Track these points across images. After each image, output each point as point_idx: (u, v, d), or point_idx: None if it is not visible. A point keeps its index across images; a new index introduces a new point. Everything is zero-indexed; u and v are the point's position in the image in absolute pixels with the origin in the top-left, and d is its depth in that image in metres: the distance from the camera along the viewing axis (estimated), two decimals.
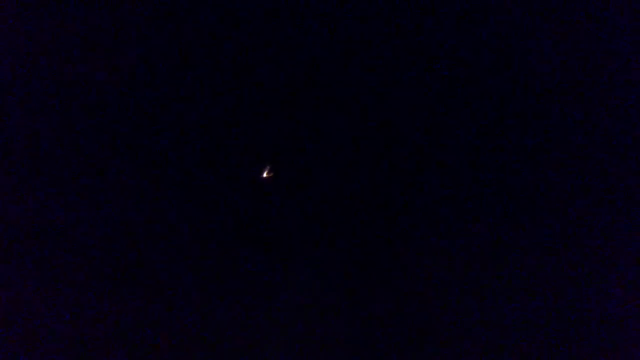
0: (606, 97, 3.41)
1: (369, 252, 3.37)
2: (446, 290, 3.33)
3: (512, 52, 3.44)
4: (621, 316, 3.27)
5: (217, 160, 3.37)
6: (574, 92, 3.42)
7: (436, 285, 3.34)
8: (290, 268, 3.35)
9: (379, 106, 3.44)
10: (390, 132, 3.44)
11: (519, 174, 3.40)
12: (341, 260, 3.36)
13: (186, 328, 3.27)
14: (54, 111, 3.36)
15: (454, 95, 3.44)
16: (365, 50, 3.45)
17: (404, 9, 3.44)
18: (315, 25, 3.43)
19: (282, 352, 3.26)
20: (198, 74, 3.41)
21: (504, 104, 3.43)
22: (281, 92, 3.43)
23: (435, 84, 3.44)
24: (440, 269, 3.35)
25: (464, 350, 3.28)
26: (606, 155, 3.38)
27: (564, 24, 3.43)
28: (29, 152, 3.32)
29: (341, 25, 3.44)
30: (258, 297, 3.32)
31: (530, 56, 3.44)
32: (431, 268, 3.35)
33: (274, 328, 3.29)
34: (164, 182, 3.36)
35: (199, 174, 3.36)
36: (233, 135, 3.38)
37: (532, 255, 3.35)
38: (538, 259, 3.35)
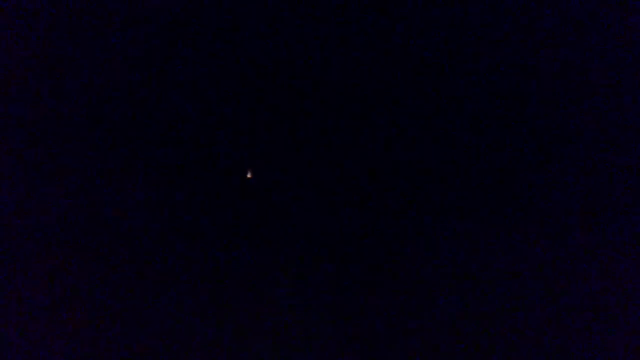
0: (608, 97, 3.40)
1: (362, 251, 3.38)
2: (442, 289, 3.33)
3: (515, 53, 3.44)
4: (621, 316, 3.27)
5: (203, 161, 3.38)
6: (576, 93, 3.41)
7: (431, 284, 3.34)
8: (279, 267, 3.36)
9: (370, 106, 3.44)
10: (380, 130, 3.43)
11: (516, 175, 3.39)
12: (332, 260, 3.37)
13: (175, 327, 3.28)
14: (45, 108, 3.37)
15: (446, 94, 3.44)
16: (359, 50, 3.45)
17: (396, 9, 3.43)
18: (302, 26, 3.43)
19: (273, 352, 3.27)
20: (184, 76, 3.42)
21: (505, 105, 3.43)
22: (267, 93, 3.43)
23: (425, 80, 3.44)
24: (436, 268, 3.35)
25: (459, 351, 3.28)
26: (610, 156, 3.38)
27: (566, 24, 3.42)
28: (24, 151, 3.34)
29: (326, 24, 3.43)
30: (248, 297, 3.33)
31: (532, 56, 3.43)
32: (426, 267, 3.35)
33: (265, 328, 3.30)
34: (151, 182, 3.36)
35: (185, 175, 3.37)
36: (218, 136, 3.39)
37: (531, 256, 3.35)
38: (537, 260, 3.34)
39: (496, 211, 3.37)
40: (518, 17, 3.42)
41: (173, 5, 3.39)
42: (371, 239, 3.38)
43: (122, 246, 3.32)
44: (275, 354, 3.27)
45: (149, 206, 3.35)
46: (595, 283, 3.30)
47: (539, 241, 3.34)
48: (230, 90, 3.42)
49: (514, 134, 3.40)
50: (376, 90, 3.44)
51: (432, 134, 3.42)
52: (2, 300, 3.26)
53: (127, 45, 3.40)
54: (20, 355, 3.23)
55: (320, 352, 3.28)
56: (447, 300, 3.31)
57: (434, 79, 3.44)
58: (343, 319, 3.31)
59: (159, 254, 3.32)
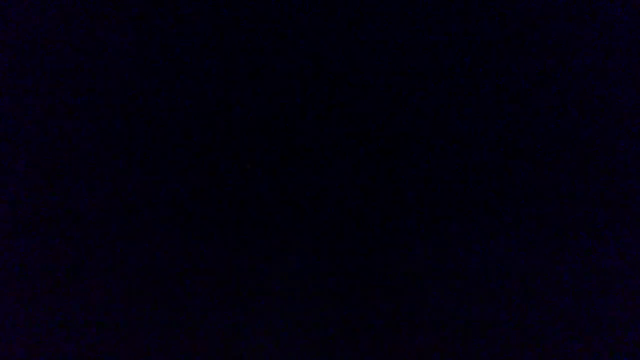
0: (607, 97, 3.39)
1: (364, 250, 3.37)
2: (444, 290, 3.33)
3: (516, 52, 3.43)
4: (621, 318, 3.26)
5: (202, 154, 3.38)
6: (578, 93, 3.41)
7: (433, 285, 3.33)
8: (280, 265, 3.36)
9: (370, 104, 3.44)
10: (384, 128, 3.43)
11: (515, 175, 3.39)
12: (334, 257, 3.37)
13: (173, 327, 3.28)
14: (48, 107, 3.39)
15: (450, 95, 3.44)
16: (361, 48, 3.45)
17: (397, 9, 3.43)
18: (306, 25, 3.43)
19: (272, 352, 3.27)
20: (190, 73, 3.42)
21: (504, 105, 3.42)
22: (268, 86, 3.43)
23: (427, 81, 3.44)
24: (438, 268, 3.34)
25: (459, 351, 3.27)
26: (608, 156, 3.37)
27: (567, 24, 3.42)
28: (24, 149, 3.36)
29: (330, 23, 3.44)
30: (248, 295, 3.33)
31: (534, 56, 3.43)
32: (428, 267, 3.35)
33: (264, 328, 3.31)
34: (149, 176, 3.37)
35: (184, 167, 3.38)
36: (222, 131, 3.39)
37: (531, 256, 3.34)
38: (538, 259, 3.34)
39: (495, 211, 3.36)
40: (517, 17, 3.42)
41: (173, 4, 3.40)
42: (370, 237, 3.38)
43: (119, 242, 3.32)
44: (274, 353, 3.27)
45: (146, 200, 3.35)
46: (595, 283, 3.30)
47: (538, 241, 3.34)
48: (230, 83, 3.42)
49: (512, 133, 3.40)
50: (374, 89, 3.44)
51: (430, 133, 3.42)
52: (2, 300, 3.27)
53: (127, 42, 3.40)
54: (20, 355, 3.24)
55: (319, 351, 3.28)
56: (447, 300, 3.31)
57: (430, 78, 3.43)
58: (341, 318, 3.32)
59: (156, 249, 3.33)
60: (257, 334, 3.29)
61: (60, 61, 3.38)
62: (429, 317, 3.29)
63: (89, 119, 3.37)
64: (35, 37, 3.39)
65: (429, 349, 3.27)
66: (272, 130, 3.41)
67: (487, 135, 3.40)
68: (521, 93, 3.40)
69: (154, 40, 3.40)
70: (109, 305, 3.27)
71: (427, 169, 3.39)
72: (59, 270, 3.29)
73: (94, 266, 3.30)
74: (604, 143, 3.36)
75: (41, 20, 3.39)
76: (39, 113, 3.36)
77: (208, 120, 3.40)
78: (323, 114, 3.42)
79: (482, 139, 3.40)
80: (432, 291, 3.31)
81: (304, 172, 3.40)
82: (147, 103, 3.39)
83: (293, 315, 3.31)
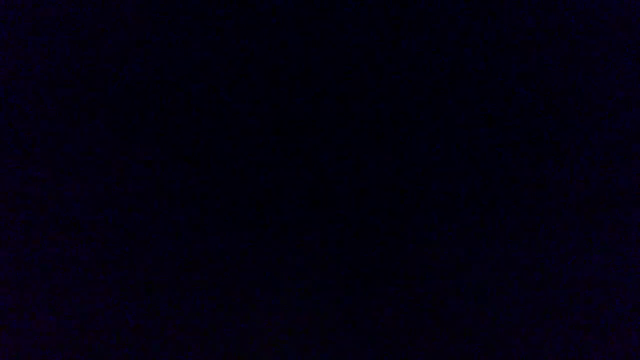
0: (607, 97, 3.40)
1: (369, 250, 3.38)
2: (450, 291, 3.33)
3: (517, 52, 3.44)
4: (621, 317, 3.26)
5: (205, 153, 3.38)
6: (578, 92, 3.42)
7: (439, 285, 3.34)
8: (283, 263, 3.36)
9: (368, 104, 3.45)
10: (392, 127, 3.44)
11: (522, 175, 3.39)
12: (338, 256, 3.37)
13: (171, 325, 3.28)
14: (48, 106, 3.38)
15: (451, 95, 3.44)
16: (362, 48, 3.45)
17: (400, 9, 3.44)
18: (309, 24, 3.44)
19: (273, 353, 3.27)
20: (194, 71, 3.43)
21: (507, 104, 3.43)
22: (267, 86, 3.44)
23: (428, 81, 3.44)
24: (443, 268, 3.35)
25: (464, 351, 3.28)
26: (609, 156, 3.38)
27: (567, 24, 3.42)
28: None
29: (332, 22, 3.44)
30: (250, 294, 3.33)
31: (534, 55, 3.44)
32: (433, 267, 3.35)
33: (265, 328, 3.31)
34: (152, 176, 3.37)
35: (188, 165, 3.38)
36: (226, 125, 3.39)
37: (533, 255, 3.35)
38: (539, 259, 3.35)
39: (500, 211, 3.37)
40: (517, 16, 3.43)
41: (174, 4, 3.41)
42: (377, 237, 3.38)
43: (120, 241, 3.32)
44: (278, 353, 3.27)
45: (147, 199, 3.35)
46: (596, 283, 3.30)
47: (538, 241, 3.34)
48: (232, 83, 3.42)
49: (511, 132, 3.40)
50: (372, 88, 3.44)
51: (430, 132, 3.42)
52: (2, 300, 3.26)
53: (127, 42, 3.40)
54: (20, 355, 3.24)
55: (324, 352, 3.28)
56: (454, 300, 3.31)
57: (427, 77, 3.44)
58: (345, 318, 3.32)
59: (157, 248, 3.32)
60: (261, 333, 3.29)
61: (59, 60, 3.38)
62: (434, 317, 3.29)
63: (88, 117, 3.37)
64: (35, 36, 3.38)
65: (433, 349, 3.27)
66: (279, 129, 3.41)
67: (492, 135, 3.40)
68: (523, 93, 3.40)
69: (153, 39, 3.40)
70: (109, 304, 3.27)
71: (434, 168, 3.40)
72: (59, 270, 3.29)
73: (94, 266, 3.30)
74: (605, 143, 3.37)
75: (41, 19, 3.39)
76: (38, 112, 3.36)
77: (209, 120, 3.40)
78: (330, 113, 3.42)
79: (487, 140, 3.40)
80: (438, 292, 3.31)
81: (309, 171, 3.40)
82: (146, 101, 3.39)
83: (298, 316, 3.31)
